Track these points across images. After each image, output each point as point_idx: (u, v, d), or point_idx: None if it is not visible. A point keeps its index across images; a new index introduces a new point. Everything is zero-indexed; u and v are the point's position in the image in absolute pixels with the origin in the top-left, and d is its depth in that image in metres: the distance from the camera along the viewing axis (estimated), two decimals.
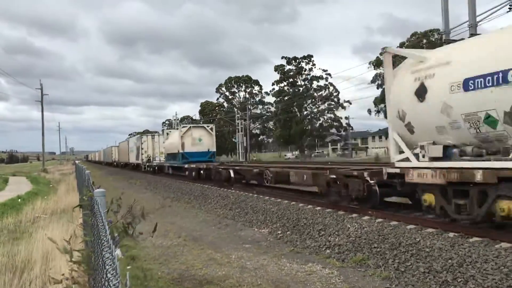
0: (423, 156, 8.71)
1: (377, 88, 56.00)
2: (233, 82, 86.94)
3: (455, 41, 18.26)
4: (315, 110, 72.58)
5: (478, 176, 7.36)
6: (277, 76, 74.50)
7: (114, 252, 1.99)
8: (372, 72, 57.69)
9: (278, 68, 73.69)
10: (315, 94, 71.52)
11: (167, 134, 35.84)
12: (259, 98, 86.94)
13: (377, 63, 54.25)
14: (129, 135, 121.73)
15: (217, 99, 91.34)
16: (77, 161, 63.06)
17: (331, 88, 71.46)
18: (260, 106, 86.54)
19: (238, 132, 66.80)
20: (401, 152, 9.54)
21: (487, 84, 7.23)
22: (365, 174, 10.34)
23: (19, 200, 19.95)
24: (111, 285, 1.59)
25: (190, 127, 31.69)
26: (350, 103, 71.34)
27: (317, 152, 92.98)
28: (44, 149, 64.72)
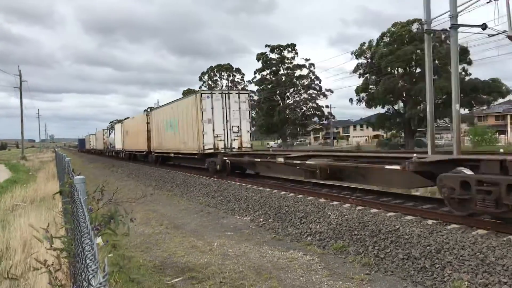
0: None
1: (359, 78, 56.21)
2: (215, 70, 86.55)
3: (436, 31, 18.41)
4: (298, 98, 72.62)
5: None
6: (258, 65, 74.16)
7: (93, 238, 1.98)
8: (353, 62, 57.89)
9: (260, 57, 73.42)
10: (298, 82, 71.49)
11: None
12: (241, 86, 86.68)
13: (359, 53, 54.46)
14: (110, 122, 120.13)
15: (200, 87, 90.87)
16: (57, 149, 62.13)
17: (313, 76, 71.56)
18: None
19: None
20: None
21: None
22: None
23: None
24: (90, 270, 1.59)
25: None
26: (332, 92, 71.58)
27: (298, 141, 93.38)
28: (23, 136, 63.57)
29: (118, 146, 44.45)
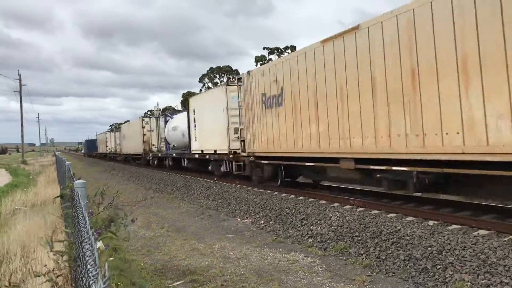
0: None
1: None
2: (215, 72, 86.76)
3: None
4: None
5: None
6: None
7: (94, 243, 1.98)
8: None
9: (259, 59, 73.53)
10: None
11: None
12: None
13: None
14: (110, 126, 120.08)
15: (200, 89, 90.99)
16: (57, 153, 60.62)
17: None
18: None
19: None
20: None
21: None
22: None
23: None
24: (91, 276, 1.58)
25: None
26: None
27: None
28: (24, 140, 63.58)
29: (209, 145, 19.48)
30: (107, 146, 53.64)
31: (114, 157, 50.09)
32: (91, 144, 77.75)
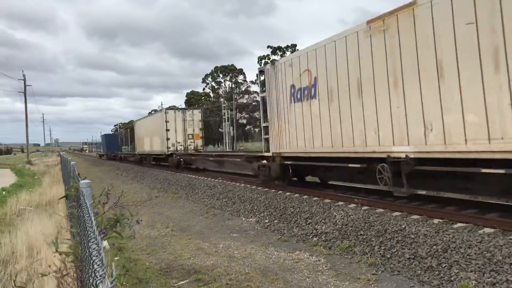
0: None
1: None
2: (218, 71, 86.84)
3: None
4: None
5: None
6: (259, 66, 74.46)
7: (100, 243, 1.98)
8: None
9: (263, 58, 73.62)
10: None
11: None
12: (245, 87, 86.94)
13: None
14: (115, 125, 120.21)
15: (203, 89, 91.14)
16: (62, 153, 59.99)
17: None
18: (246, 96, 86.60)
19: (225, 122, 66.49)
20: None
21: None
22: None
23: (4, 192, 19.71)
24: (98, 275, 1.59)
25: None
26: None
27: None
28: (28, 140, 63.73)
29: None
30: (168, 138, 29.07)
31: (202, 163, 24.16)
32: (112, 141, 57.12)
